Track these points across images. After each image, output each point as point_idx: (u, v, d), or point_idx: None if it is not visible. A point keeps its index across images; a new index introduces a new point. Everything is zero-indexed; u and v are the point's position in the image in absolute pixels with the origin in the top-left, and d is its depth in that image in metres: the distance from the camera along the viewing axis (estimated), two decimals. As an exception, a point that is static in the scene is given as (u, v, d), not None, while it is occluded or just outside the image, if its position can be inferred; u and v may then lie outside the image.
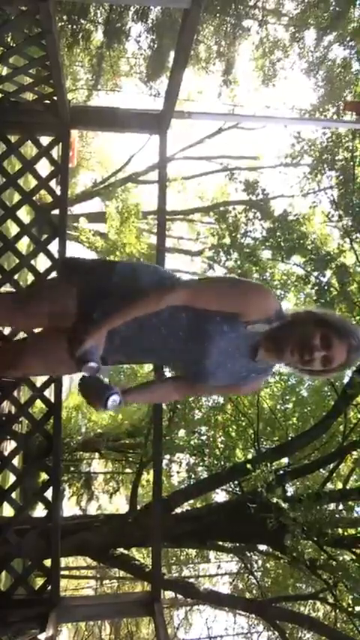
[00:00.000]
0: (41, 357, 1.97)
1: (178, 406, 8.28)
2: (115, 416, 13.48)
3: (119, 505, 14.65)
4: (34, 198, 3.21)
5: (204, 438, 8.56)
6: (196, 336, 1.72)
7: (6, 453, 3.19)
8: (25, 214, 5.01)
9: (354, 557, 5.74)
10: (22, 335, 2.75)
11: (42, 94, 2.97)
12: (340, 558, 5.81)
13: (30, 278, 3.58)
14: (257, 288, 1.81)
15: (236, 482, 7.15)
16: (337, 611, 6.40)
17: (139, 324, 1.72)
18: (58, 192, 3.21)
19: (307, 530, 5.25)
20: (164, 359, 1.93)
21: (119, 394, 1.66)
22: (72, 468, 13.50)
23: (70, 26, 9.31)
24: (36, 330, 2.33)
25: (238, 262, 7.73)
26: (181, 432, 8.76)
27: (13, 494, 3.23)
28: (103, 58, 11.65)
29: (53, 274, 3.08)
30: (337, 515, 5.94)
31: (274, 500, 5.37)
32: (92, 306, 1.78)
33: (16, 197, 3.16)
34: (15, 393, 3.23)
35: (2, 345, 2.72)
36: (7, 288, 3.08)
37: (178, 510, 6.63)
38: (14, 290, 3.10)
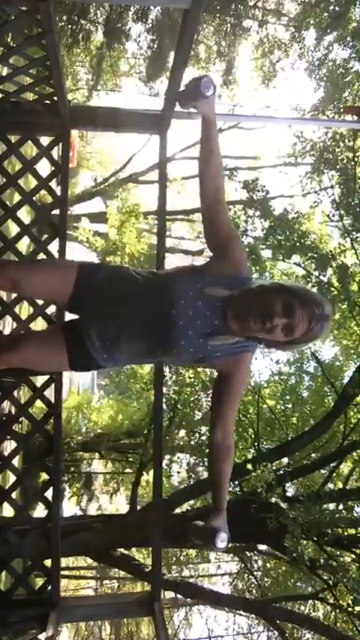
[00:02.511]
0: (39, 346, 1.96)
1: (179, 406, 8.28)
2: (115, 416, 13.49)
3: (119, 505, 14.65)
4: (34, 198, 3.21)
5: (204, 438, 8.56)
6: (163, 294, 1.74)
7: (6, 453, 3.19)
8: (25, 214, 5.01)
9: (354, 556, 5.74)
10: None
11: (42, 94, 2.97)
12: (341, 559, 5.81)
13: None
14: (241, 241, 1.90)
15: (236, 482, 7.15)
16: (337, 611, 6.41)
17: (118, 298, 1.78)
18: (59, 193, 3.20)
19: (307, 530, 5.26)
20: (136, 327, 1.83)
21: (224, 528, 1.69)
22: (72, 468, 13.50)
23: (70, 26, 9.30)
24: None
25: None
26: (181, 432, 8.77)
27: (14, 495, 3.23)
28: (103, 58, 11.64)
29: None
30: (337, 516, 5.94)
31: (274, 500, 5.38)
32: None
33: (17, 197, 3.16)
34: (15, 393, 3.23)
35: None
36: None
37: (178, 510, 6.63)
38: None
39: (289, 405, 9.22)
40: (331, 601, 6.20)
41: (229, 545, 1.70)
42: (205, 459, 8.17)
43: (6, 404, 4.29)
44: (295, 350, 2.02)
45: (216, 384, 1.87)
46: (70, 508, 14.68)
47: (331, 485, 7.18)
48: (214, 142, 1.75)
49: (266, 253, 8.24)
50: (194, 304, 1.72)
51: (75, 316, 1.97)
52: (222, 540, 1.64)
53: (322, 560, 5.73)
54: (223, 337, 1.74)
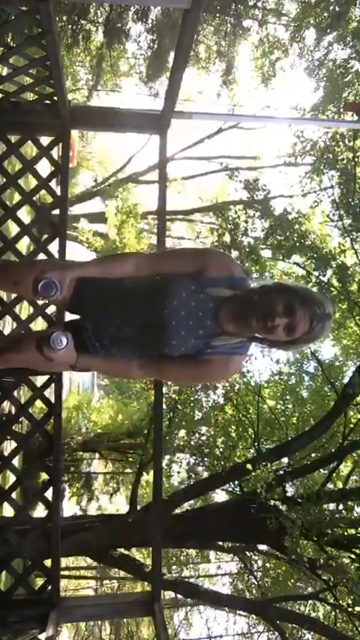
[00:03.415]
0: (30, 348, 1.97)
1: (179, 406, 8.28)
2: (115, 416, 13.49)
3: (119, 505, 14.65)
4: (34, 198, 3.21)
5: (204, 438, 8.56)
6: (158, 294, 1.76)
7: (6, 453, 3.19)
8: (25, 214, 5.01)
9: (354, 556, 5.74)
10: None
11: (42, 94, 2.97)
12: (340, 560, 5.80)
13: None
14: (217, 249, 1.93)
15: (236, 482, 7.15)
16: (337, 611, 6.41)
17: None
18: (59, 193, 3.21)
19: (306, 531, 5.25)
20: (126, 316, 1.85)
21: (68, 337, 1.66)
22: (72, 468, 13.50)
23: (70, 26, 9.30)
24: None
25: (238, 261, 7.71)
26: (181, 432, 8.77)
27: (14, 495, 3.23)
28: (103, 58, 11.64)
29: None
30: (337, 516, 5.94)
31: (274, 500, 5.37)
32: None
33: (17, 197, 3.16)
34: (15, 393, 3.23)
35: None
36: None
37: (178, 510, 6.63)
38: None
39: (289, 405, 9.21)
40: (331, 601, 6.19)
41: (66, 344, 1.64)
42: (205, 459, 8.18)
43: (6, 404, 4.29)
44: (297, 349, 2.02)
45: (187, 366, 1.83)
46: (70, 508, 14.68)
47: (331, 486, 7.18)
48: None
49: (266, 253, 8.24)
50: (187, 305, 1.74)
51: (75, 316, 1.97)
52: (56, 338, 1.62)
53: (321, 561, 5.73)
54: (224, 338, 1.75)
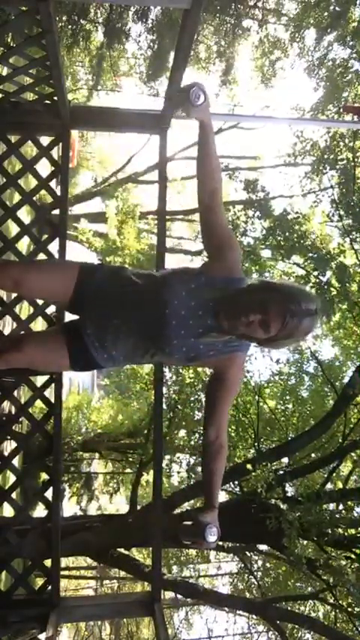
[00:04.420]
0: (39, 346, 1.98)
1: (179, 406, 8.28)
2: (115, 416, 13.49)
3: (119, 505, 14.64)
4: (34, 198, 3.21)
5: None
6: (158, 294, 1.77)
7: (6, 453, 3.19)
8: (25, 214, 5.01)
9: (354, 557, 5.74)
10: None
11: (42, 94, 2.97)
12: (340, 560, 5.80)
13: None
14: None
15: (236, 482, 7.15)
16: (337, 611, 6.41)
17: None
18: (59, 193, 3.21)
19: (306, 530, 5.25)
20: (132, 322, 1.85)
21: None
22: (72, 468, 13.49)
23: (70, 26, 9.30)
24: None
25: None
26: (182, 432, 8.77)
27: (14, 495, 3.23)
28: (103, 58, 11.65)
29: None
30: (336, 516, 5.94)
31: (274, 501, 5.37)
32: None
33: (17, 197, 3.16)
34: (15, 393, 3.23)
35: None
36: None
37: (178, 510, 6.63)
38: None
39: (289, 405, 9.22)
40: (331, 601, 6.20)
41: (219, 541, 1.67)
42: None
43: (6, 404, 4.28)
44: (281, 347, 1.96)
45: (210, 385, 1.89)
46: (70, 508, 14.68)
47: (330, 486, 7.18)
48: (211, 145, 1.77)
49: (266, 253, 8.25)
50: (187, 304, 1.75)
51: (75, 316, 1.98)
52: (212, 534, 1.61)
53: (321, 561, 5.73)
54: (215, 335, 1.76)
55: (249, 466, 5.93)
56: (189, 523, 1.70)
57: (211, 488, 1.77)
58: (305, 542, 5.93)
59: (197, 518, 1.66)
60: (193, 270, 1.86)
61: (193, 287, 1.76)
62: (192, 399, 8.44)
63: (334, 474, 7.16)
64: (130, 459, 12.42)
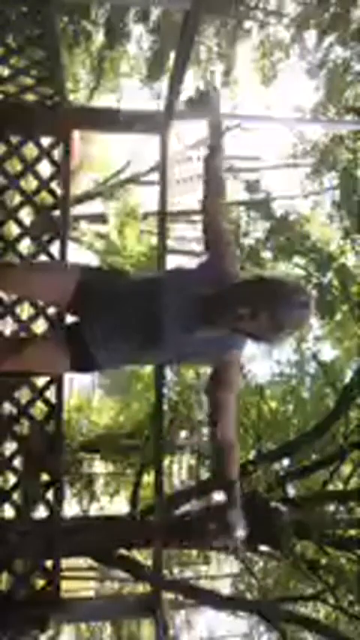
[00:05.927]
0: (40, 348, 1.99)
1: (179, 407, 8.28)
2: (116, 416, 13.49)
3: (120, 506, 14.63)
4: (35, 199, 3.21)
5: (204, 438, 8.55)
6: (156, 295, 1.81)
7: (7, 454, 3.18)
8: (26, 215, 5.01)
9: (354, 557, 5.73)
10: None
11: (43, 94, 2.98)
12: (340, 561, 5.80)
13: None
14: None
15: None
16: (338, 611, 6.40)
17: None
18: (59, 194, 3.21)
19: (302, 532, 5.25)
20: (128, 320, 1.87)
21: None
22: (73, 469, 13.48)
23: (71, 27, 9.30)
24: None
25: (239, 262, 7.71)
26: (182, 433, 8.77)
27: (15, 495, 3.22)
28: (103, 59, 11.64)
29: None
30: (337, 517, 5.93)
31: (274, 501, 5.37)
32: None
33: (17, 198, 3.16)
34: (15, 394, 3.23)
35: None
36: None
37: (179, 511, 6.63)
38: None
39: (290, 406, 9.21)
40: (332, 602, 6.18)
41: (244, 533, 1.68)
42: (205, 459, 8.16)
43: (7, 405, 4.27)
44: (279, 341, 1.88)
45: (209, 384, 1.89)
46: (70, 509, 14.66)
47: (331, 487, 7.17)
48: (220, 169, 1.89)
49: (266, 254, 8.23)
50: (179, 302, 1.77)
51: (75, 318, 1.98)
52: (241, 529, 1.63)
53: (322, 562, 5.72)
54: (209, 331, 1.77)
55: (249, 467, 5.92)
56: (213, 525, 1.71)
57: (232, 490, 1.87)
58: (305, 543, 5.91)
59: (223, 519, 1.67)
60: (190, 268, 1.89)
61: (189, 285, 1.80)
62: (192, 399, 8.44)
63: (335, 475, 7.14)
64: (131, 460, 12.41)
